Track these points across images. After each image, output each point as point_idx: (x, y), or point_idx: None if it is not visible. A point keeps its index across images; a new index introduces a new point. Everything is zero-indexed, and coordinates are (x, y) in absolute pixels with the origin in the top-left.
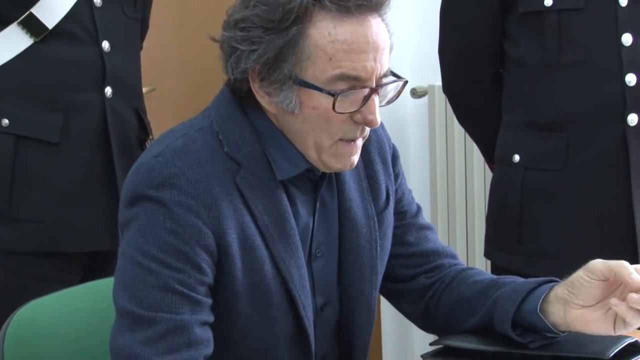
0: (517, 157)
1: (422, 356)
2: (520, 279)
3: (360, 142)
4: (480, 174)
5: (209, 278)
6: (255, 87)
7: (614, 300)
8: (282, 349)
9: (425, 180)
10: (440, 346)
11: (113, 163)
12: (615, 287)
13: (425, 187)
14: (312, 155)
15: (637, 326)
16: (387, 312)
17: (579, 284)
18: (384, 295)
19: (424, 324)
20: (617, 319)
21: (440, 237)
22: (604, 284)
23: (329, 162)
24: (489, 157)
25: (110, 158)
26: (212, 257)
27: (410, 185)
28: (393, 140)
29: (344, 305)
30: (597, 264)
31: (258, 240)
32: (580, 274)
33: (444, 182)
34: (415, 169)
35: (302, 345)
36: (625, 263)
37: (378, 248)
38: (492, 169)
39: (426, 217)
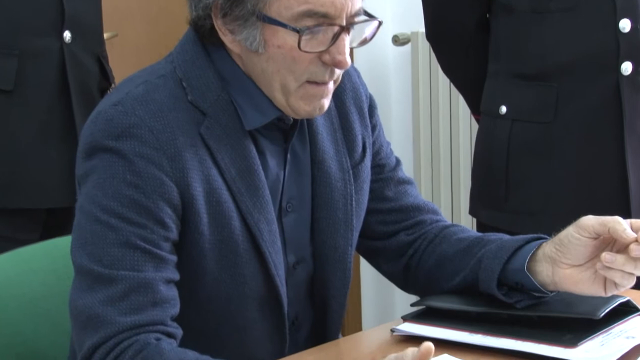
0: (504, 109)
1: (402, 317)
2: (506, 237)
3: (331, 86)
4: (466, 127)
5: (173, 234)
6: (217, 24)
7: (599, 265)
8: (251, 309)
9: (407, 133)
10: (422, 307)
11: (72, 113)
12: (606, 245)
13: (407, 141)
14: (279, 98)
15: (629, 286)
16: (367, 273)
17: (568, 241)
18: (361, 254)
19: (404, 284)
20: (608, 281)
21: (423, 194)
22: (595, 242)
23: (297, 105)
24: (475, 108)
25: (69, 108)
26: (176, 211)
27: (392, 139)
28: (373, 91)
29: (318, 263)
30: (589, 220)
31: (225, 194)
32: (570, 231)
33: (428, 135)
34: (397, 121)
35: (273, 305)
36: (619, 218)
37: (353, 203)
38: (478, 121)
39: (408, 172)
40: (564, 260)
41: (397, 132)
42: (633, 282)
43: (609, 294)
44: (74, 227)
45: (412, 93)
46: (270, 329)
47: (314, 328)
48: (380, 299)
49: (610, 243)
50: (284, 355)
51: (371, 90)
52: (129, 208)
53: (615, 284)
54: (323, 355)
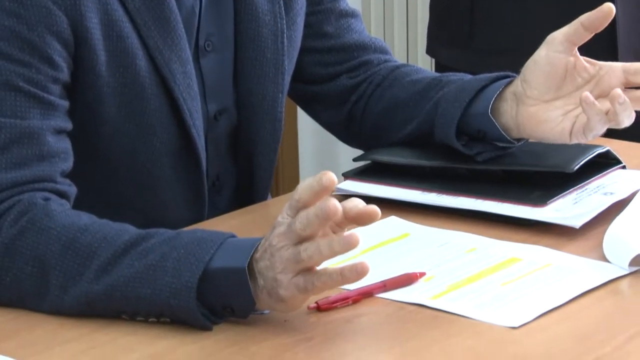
0: None
1: (344, 174)
2: (468, 76)
3: None
4: None
5: (64, 75)
6: None
7: (586, 96)
8: (163, 166)
9: None
10: (367, 162)
11: None
12: (583, 81)
13: None
14: None
15: (599, 134)
16: (305, 125)
17: (534, 63)
18: (295, 100)
19: (347, 136)
20: (576, 125)
21: (372, 30)
22: (565, 65)
23: None
24: None
25: None
26: (67, 47)
27: None
28: None
29: (243, 113)
30: (556, 32)
31: (127, 27)
32: (537, 52)
33: None
34: None
35: (189, 161)
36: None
37: (285, 40)
38: None
39: (355, 3)
40: (529, 92)
41: None
42: (604, 129)
43: (573, 141)
44: None
45: None
46: (186, 189)
47: (238, 190)
48: (320, 155)
49: (589, 81)
50: (202, 221)
51: None
52: (9, 42)
53: (585, 132)
54: (250, 218)
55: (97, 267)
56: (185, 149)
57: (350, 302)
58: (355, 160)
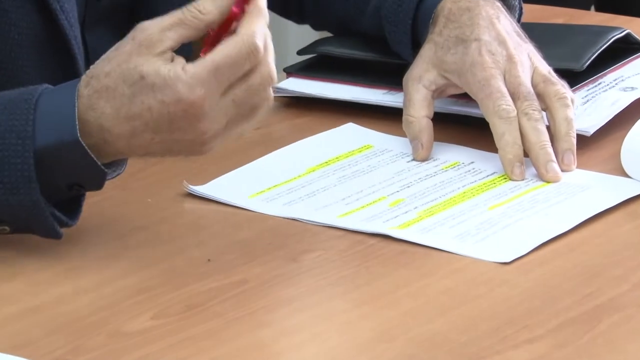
0: None
1: (285, 70)
2: None
3: None
4: None
5: None
6: None
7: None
8: (27, 62)
9: None
10: (312, 55)
11: None
12: None
13: None
14: None
15: None
16: None
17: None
18: None
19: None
20: None
21: None
22: None
23: None
24: None
25: None
26: None
27: None
28: None
29: None
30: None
31: None
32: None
33: None
34: None
35: (61, 54)
36: None
37: None
38: None
39: None
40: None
41: None
42: None
43: None
44: None
45: None
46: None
47: None
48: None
49: None
50: None
51: None
52: None
53: None
54: None
55: None
56: (54, 39)
57: None
58: (300, 53)
